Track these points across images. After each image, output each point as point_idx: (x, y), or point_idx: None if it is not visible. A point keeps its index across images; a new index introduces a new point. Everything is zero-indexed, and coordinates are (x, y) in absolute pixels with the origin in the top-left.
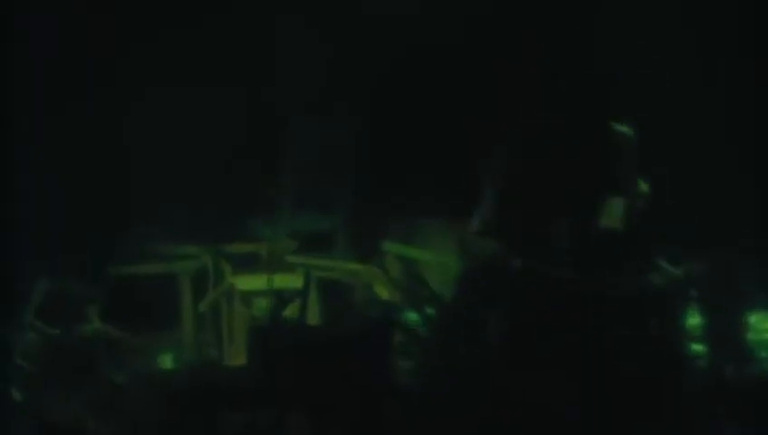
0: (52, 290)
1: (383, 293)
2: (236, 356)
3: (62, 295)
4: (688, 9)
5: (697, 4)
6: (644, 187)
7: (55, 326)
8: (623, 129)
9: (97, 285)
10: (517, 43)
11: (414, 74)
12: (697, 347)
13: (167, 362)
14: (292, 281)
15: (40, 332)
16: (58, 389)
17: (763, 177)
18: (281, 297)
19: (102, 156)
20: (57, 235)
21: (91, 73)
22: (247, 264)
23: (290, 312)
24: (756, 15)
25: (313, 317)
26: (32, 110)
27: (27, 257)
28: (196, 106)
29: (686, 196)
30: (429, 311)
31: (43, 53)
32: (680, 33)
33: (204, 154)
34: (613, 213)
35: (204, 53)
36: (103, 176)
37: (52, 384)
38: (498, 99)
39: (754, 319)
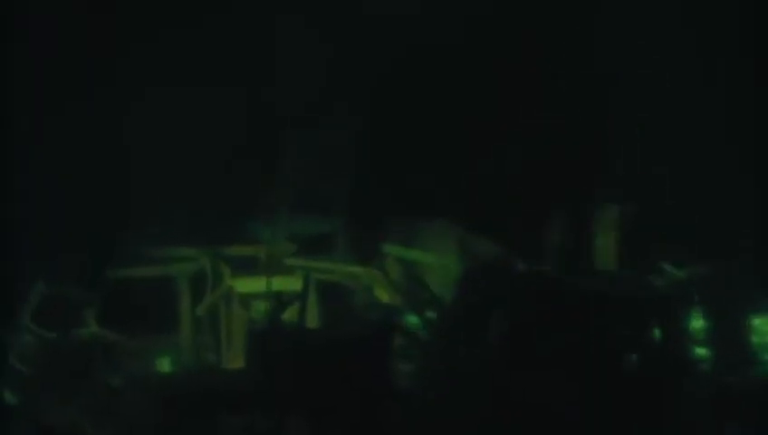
0: (48, 293)
1: (383, 295)
2: (235, 360)
3: (58, 299)
4: (688, 9)
5: (697, 4)
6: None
7: (52, 330)
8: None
9: (94, 289)
10: (517, 43)
11: (414, 74)
12: (701, 350)
13: (164, 365)
14: (292, 284)
15: (36, 335)
16: (55, 392)
17: (763, 176)
18: (280, 300)
19: (102, 156)
20: (56, 235)
21: (91, 73)
22: (246, 266)
23: (289, 315)
24: (756, 15)
25: (313, 320)
26: (32, 110)
27: (26, 258)
28: (196, 106)
29: (686, 195)
30: (430, 314)
31: (42, 53)
32: (680, 33)
33: (204, 154)
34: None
35: (204, 53)
36: (102, 176)
37: (49, 388)
38: (498, 99)
39: (758, 322)
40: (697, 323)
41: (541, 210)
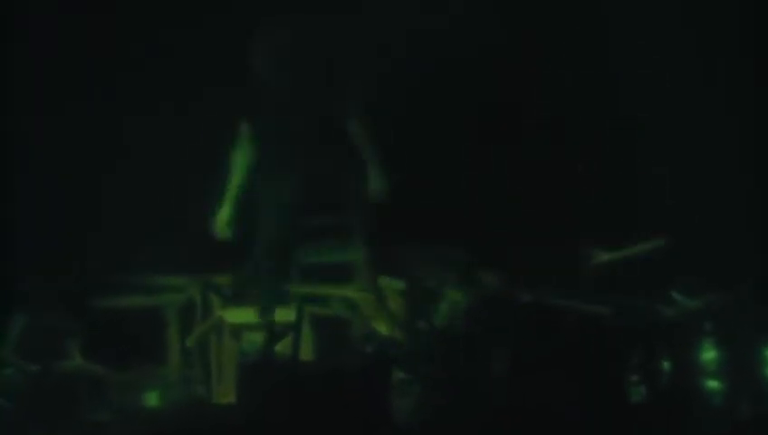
0: (31, 324)
1: (382, 327)
2: (225, 394)
3: (41, 329)
4: (688, 9)
5: (697, 4)
6: None
7: (35, 362)
8: None
9: (79, 319)
10: (516, 43)
11: (414, 85)
12: (713, 382)
13: (152, 399)
14: (285, 314)
15: (18, 367)
16: (38, 428)
17: (764, 176)
18: (272, 331)
19: (84, 178)
20: (39, 259)
21: (90, 73)
22: (237, 296)
23: (282, 347)
24: (756, 16)
25: (307, 352)
26: (32, 110)
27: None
28: (197, 113)
29: (685, 195)
30: (429, 345)
31: (43, 53)
32: (680, 33)
33: (199, 171)
34: None
35: (205, 54)
36: (86, 198)
37: (32, 423)
38: (497, 101)
39: None
40: (709, 354)
41: (546, 234)
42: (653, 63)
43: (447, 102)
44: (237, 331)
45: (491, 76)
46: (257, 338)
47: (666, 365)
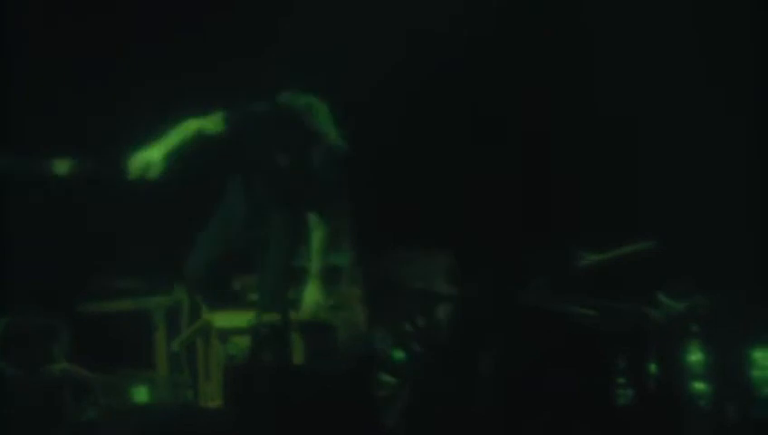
0: (15, 327)
1: (367, 327)
2: (212, 397)
3: (26, 333)
4: (688, 9)
5: (699, 5)
6: None
7: (19, 366)
8: None
9: (65, 322)
10: (515, 46)
11: (409, 95)
12: (699, 385)
13: (141, 395)
14: (272, 317)
15: (2, 372)
16: (23, 432)
17: (758, 177)
18: (259, 335)
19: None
20: (24, 263)
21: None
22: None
23: (269, 350)
24: (756, 15)
25: (294, 355)
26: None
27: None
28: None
29: (676, 196)
30: (416, 347)
31: (42, 53)
32: (681, 33)
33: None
34: None
35: (204, 57)
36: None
37: (17, 427)
38: (493, 106)
39: (758, 355)
40: (696, 356)
41: (534, 236)
42: (650, 63)
43: (440, 105)
44: (224, 334)
45: (486, 77)
46: (244, 341)
47: (653, 367)
